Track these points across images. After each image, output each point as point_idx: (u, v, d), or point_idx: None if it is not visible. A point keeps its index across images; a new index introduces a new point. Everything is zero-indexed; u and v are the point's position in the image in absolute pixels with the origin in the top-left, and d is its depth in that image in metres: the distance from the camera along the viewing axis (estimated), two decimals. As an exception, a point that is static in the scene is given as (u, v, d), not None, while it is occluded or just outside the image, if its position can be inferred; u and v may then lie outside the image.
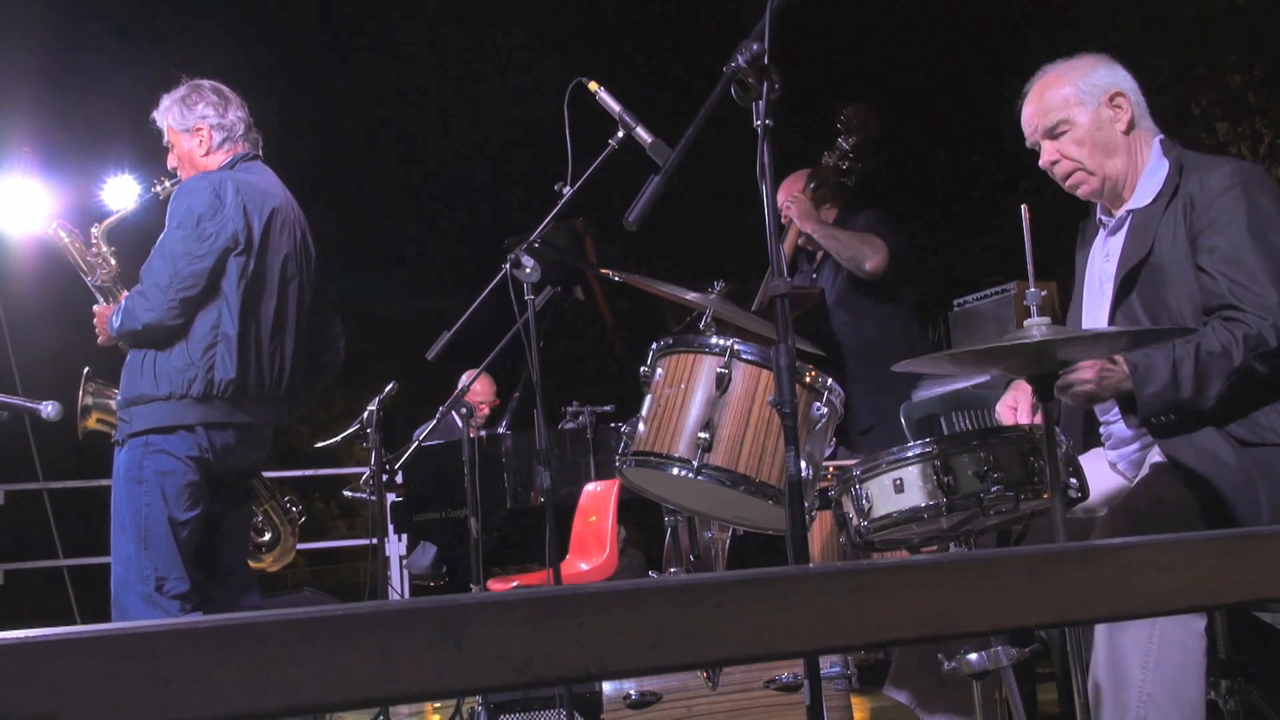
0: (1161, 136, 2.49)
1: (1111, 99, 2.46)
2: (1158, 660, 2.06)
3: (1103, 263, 2.54)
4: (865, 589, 0.61)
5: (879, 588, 0.61)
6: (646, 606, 0.57)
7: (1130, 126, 2.46)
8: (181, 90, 3.50)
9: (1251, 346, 2.17)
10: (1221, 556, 0.72)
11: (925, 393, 3.77)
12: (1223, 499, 2.18)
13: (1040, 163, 2.53)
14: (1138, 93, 2.49)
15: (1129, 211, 2.46)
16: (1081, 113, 2.46)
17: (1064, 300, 5.04)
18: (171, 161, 3.55)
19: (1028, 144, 2.57)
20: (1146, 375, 2.22)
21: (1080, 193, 2.53)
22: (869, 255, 3.99)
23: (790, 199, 4.19)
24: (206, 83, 3.52)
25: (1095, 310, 2.54)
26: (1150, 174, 2.45)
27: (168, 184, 3.51)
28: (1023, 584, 0.63)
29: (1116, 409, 2.42)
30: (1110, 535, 2.23)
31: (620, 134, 2.66)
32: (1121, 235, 2.48)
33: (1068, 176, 2.50)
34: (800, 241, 4.23)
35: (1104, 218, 2.57)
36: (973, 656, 2.13)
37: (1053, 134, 2.49)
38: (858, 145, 4.13)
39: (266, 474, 3.88)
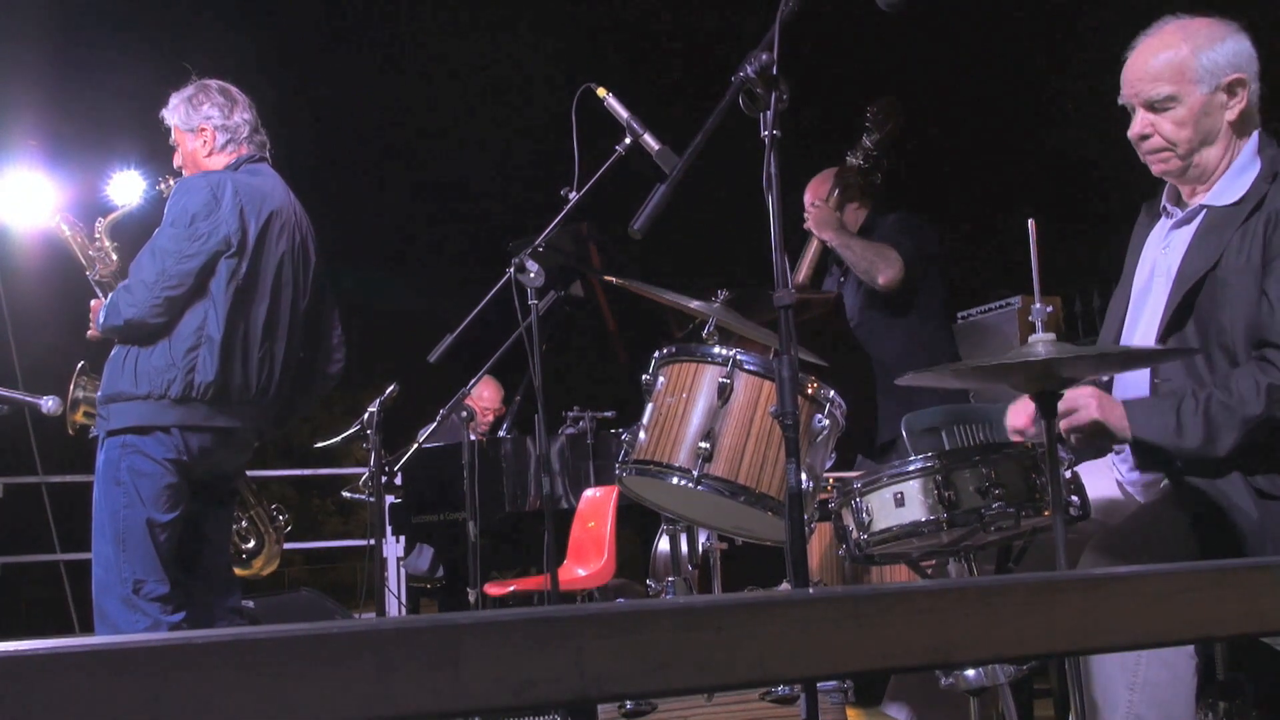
0: (1260, 130, 2.25)
1: (1231, 85, 2.19)
2: (1145, 680, 2.03)
3: (1159, 251, 2.33)
4: (867, 615, 0.60)
5: (881, 614, 0.61)
6: (646, 629, 0.57)
7: (1240, 118, 2.21)
8: (189, 90, 3.49)
9: (1277, 397, 2.02)
10: (1227, 586, 0.72)
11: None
12: (1231, 549, 2.07)
13: (1129, 132, 2.27)
14: (1257, 79, 2.22)
15: (1203, 207, 2.24)
16: (1194, 92, 2.18)
17: (1068, 314, 5.03)
18: (177, 160, 3.54)
19: (1120, 99, 2.29)
20: (1145, 424, 2.10)
21: (1156, 170, 2.29)
22: (882, 269, 3.86)
23: (810, 206, 4.11)
24: (214, 83, 3.50)
25: (1141, 305, 2.35)
26: (1238, 172, 2.21)
27: (172, 182, 3.50)
28: (1026, 613, 0.63)
29: None
30: (1100, 556, 2.20)
31: (627, 140, 2.66)
32: (1189, 231, 2.26)
33: (1154, 153, 2.25)
34: (827, 245, 4.14)
35: (1171, 206, 2.34)
36: (970, 673, 2.12)
37: (1153, 106, 2.22)
38: (881, 142, 4.01)
39: (265, 473, 3.89)
